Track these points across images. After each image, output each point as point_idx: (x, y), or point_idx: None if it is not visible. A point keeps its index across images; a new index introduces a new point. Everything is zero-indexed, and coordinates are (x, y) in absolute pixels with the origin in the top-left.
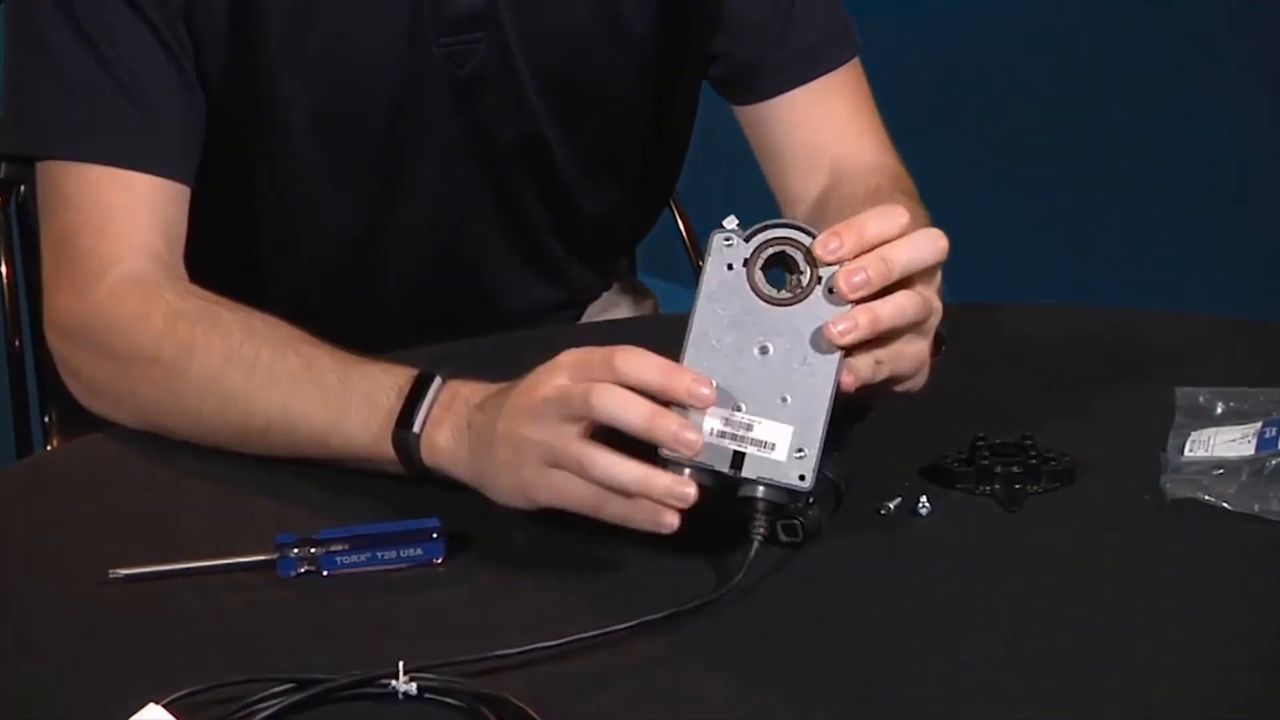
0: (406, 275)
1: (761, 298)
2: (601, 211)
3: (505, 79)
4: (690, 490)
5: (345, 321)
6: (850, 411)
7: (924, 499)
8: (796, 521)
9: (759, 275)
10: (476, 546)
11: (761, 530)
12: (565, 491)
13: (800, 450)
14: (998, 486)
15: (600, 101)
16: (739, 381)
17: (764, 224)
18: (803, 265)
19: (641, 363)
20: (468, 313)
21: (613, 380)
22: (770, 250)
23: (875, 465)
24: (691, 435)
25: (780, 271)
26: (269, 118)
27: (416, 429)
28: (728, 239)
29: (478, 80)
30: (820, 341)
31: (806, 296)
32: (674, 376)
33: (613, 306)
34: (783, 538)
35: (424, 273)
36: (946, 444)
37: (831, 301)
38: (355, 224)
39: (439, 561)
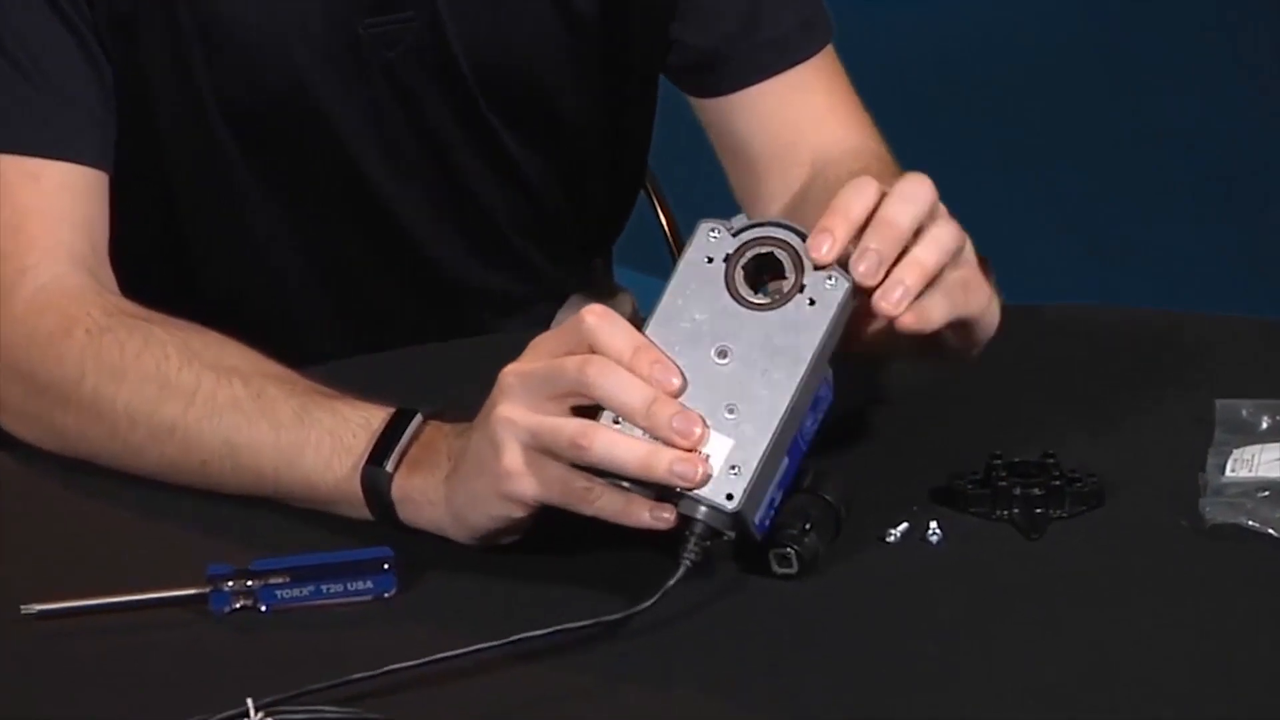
0: (349, 272)
1: (735, 297)
2: (560, 200)
3: (441, 61)
4: (701, 470)
5: (289, 326)
6: (869, 386)
7: (934, 525)
8: (790, 550)
9: (739, 274)
10: (432, 579)
11: (690, 555)
12: (550, 480)
13: (735, 467)
14: (1017, 511)
15: (542, 88)
16: (691, 383)
17: (755, 221)
18: (789, 270)
19: (617, 334)
20: (427, 312)
21: (593, 350)
22: (757, 250)
23: (879, 487)
24: (697, 429)
25: (764, 278)
26: (183, 107)
27: (389, 466)
28: (714, 230)
29: (412, 63)
30: (787, 355)
31: (784, 304)
32: (642, 354)
33: (575, 304)
34: (775, 569)
35: (369, 269)
36: (959, 463)
37: (813, 312)
38: (284, 218)
39: (391, 596)
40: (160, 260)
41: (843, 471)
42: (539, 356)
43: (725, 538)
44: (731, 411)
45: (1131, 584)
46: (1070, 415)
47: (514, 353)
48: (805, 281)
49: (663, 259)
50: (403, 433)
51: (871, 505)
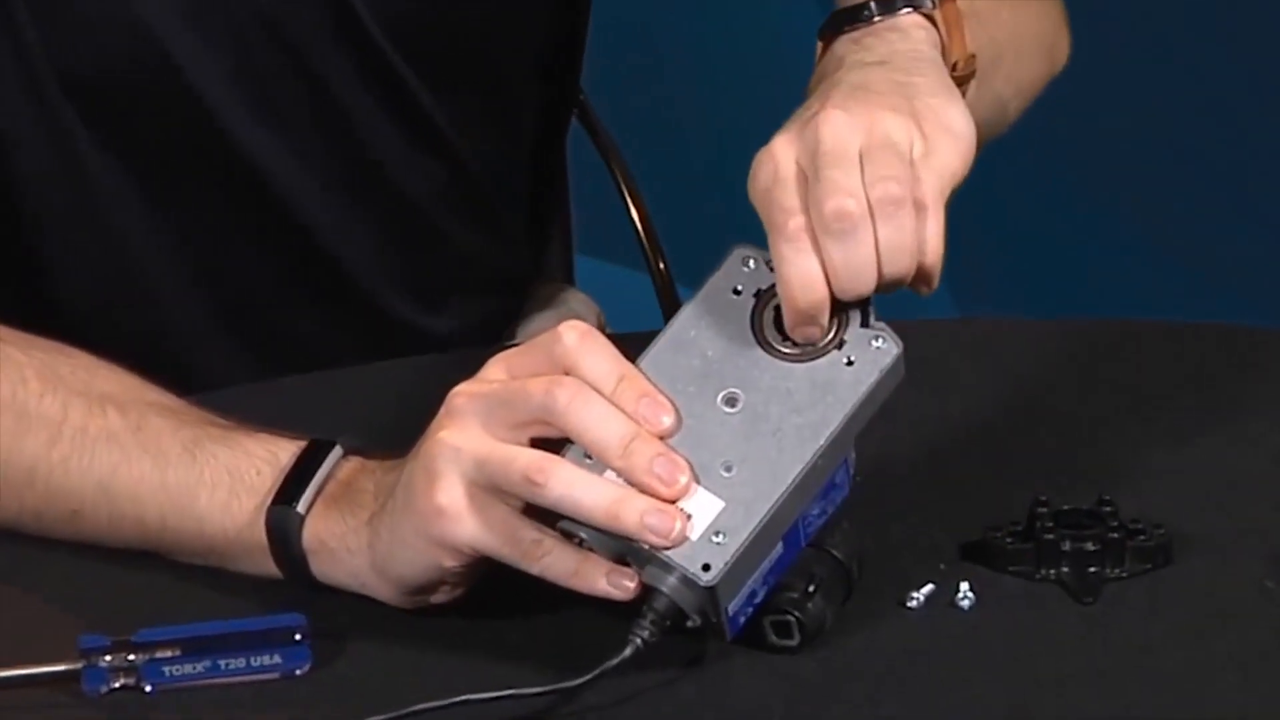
0: (234, 275)
1: (759, 340)
2: (492, 169)
3: (333, 6)
4: (678, 525)
5: (170, 345)
6: (884, 414)
7: (965, 587)
8: (790, 617)
9: (769, 314)
10: (354, 652)
11: (641, 633)
12: (492, 524)
13: (720, 535)
14: (1066, 570)
15: (467, 32)
16: (684, 428)
17: None
18: (827, 320)
19: (600, 358)
20: (336, 323)
21: (568, 372)
22: None
23: (900, 540)
24: (682, 477)
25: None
26: (13, 80)
27: (301, 507)
28: (749, 259)
29: (295, 8)
30: (808, 418)
31: (817, 357)
32: (628, 385)
33: (543, 321)
34: (772, 639)
35: (260, 270)
36: (996, 511)
37: (849, 374)
38: (146, 212)
39: (304, 673)
40: (6, 268)
41: (854, 521)
42: (499, 375)
43: (689, 623)
44: (729, 469)
45: (1204, 659)
46: (1131, 452)
47: (453, 374)
48: (847, 337)
49: (631, 252)
50: (318, 468)
51: (889, 562)
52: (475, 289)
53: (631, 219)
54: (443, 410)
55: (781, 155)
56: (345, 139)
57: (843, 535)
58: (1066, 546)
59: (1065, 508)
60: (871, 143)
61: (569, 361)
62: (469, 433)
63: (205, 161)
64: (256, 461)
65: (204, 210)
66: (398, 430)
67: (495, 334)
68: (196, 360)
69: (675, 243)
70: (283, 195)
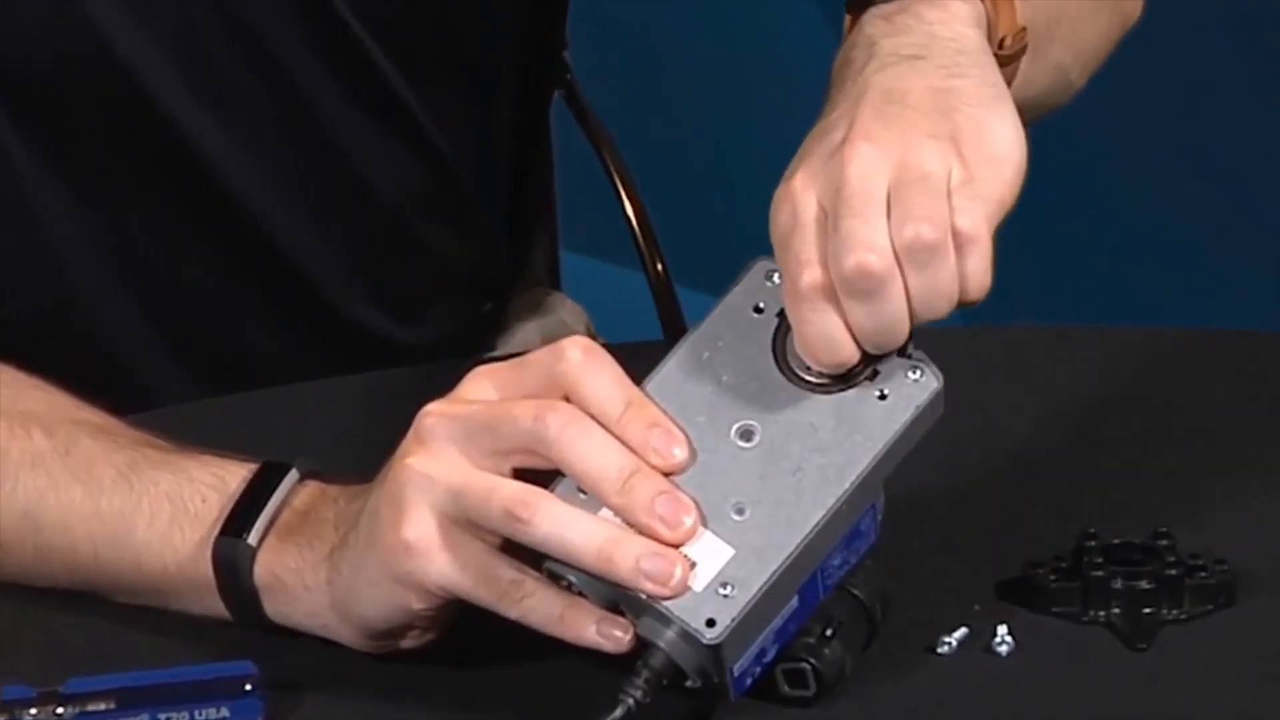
0: (173, 279)
1: (782, 367)
2: (469, 160)
3: None
4: (679, 573)
5: (103, 358)
6: None
7: (1003, 631)
8: (805, 665)
9: (794, 339)
10: (312, 705)
11: (634, 693)
12: (466, 563)
13: (727, 586)
14: (1117, 611)
15: (445, 13)
16: (695, 464)
17: None
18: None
19: (606, 381)
20: (292, 333)
21: (570, 400)
22: None
23: (929, 577)
24: (688, 519)
25: None
26: None
27: (252, 539)
28: (771, 275)
29: None
30: (834, 457)
31: (846, 389)
32: (635, 414)
33: (526, 331)
34: (784, 690)
35: (204, 275)
36: (1037, 545)
37: (882, 410)
38: (77, 210)
39: None
40: None
41: (878, 557)
42: (480, 393)
43: (688, 683)
44: (740, 513)
45: (1273, 712)
46: (1190, 480)
47: (425, 389)
48: (880, 367)
49: (625, 251)
50: (270, 494)
51: (917, 603)
52: (451, 295)
53: (625, 214)
54: (412, 432)
55: (801, 196)
56: (308, 130)
57: (864, 573)
58: (1118, 585)
59: (1116, 541)
60: (902, 178)
61: (569, 382)
62: (443, 459)
63: (144, 155)
64: (201, 487)
65: (144, 211)
66: (363, 453)
67: (473, 345)
68: (138, 379)
69: (673, 241)
70: (234, 193)
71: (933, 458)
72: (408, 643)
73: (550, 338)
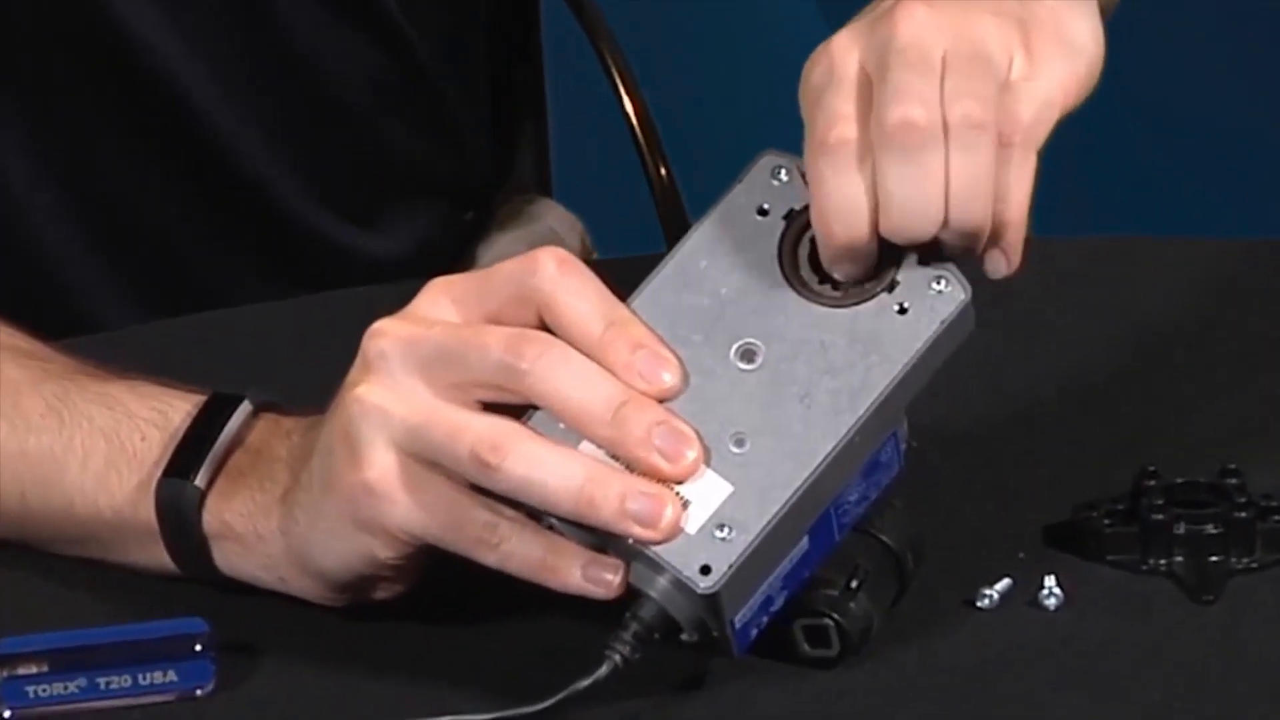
0: (115, 190)
1: (789, 278)
2: (439, 50)
3: None
4: (670, 513)
5: (42, 279)
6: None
7: (1051, 581)
8: (828, 621)
9: (804, 246)
10: (268, 667)
11: (621, 649)
12: (433, 505)
13: (724, 528)
14: (1180, 559)
15: None
16: (688, 390)
17: None
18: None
19: (584, 296)
20: (247, 247)
21: (545, 320)
22: None
23: (967, 521)
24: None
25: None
26: None
27: (199, 481)
28: (780, 169)
29: None
30: (848, 380)
31: (862, 302)
32: (618, 333)
33: (510, 242)
34: (804, 649)
35: (149, 183)
36: (1089, 485)
37: (902, 325)
38: (8, 112)
39: (207, 693)
40: None
41: (908, 498)
42: (440, 312)
43: (683, 636)
44: (740, 444)
45: None
46: (1261, 412)
47: (395, 309)
48: (900, 277)
49: (625, 156)
50: (219, 430)
51: (953, 550)
52: (424, 202)
53: (624, 112)
54: (361, 356)
55: (841, 53)
56: (256, 15)
57: (893, 516)
58: (1181, 530)
59: (1179, 481)
60: (959, 48)
61: (543, 299)
62: (400, 390)
63: (73, 47)
64: (140, 423)
65: (81, 113)
66: (326, 381)
67: (449, 258)
68: (78, 302)
69: (679, 144)
70: (175, 88)
71: (970, 384)
72: (376, 595)
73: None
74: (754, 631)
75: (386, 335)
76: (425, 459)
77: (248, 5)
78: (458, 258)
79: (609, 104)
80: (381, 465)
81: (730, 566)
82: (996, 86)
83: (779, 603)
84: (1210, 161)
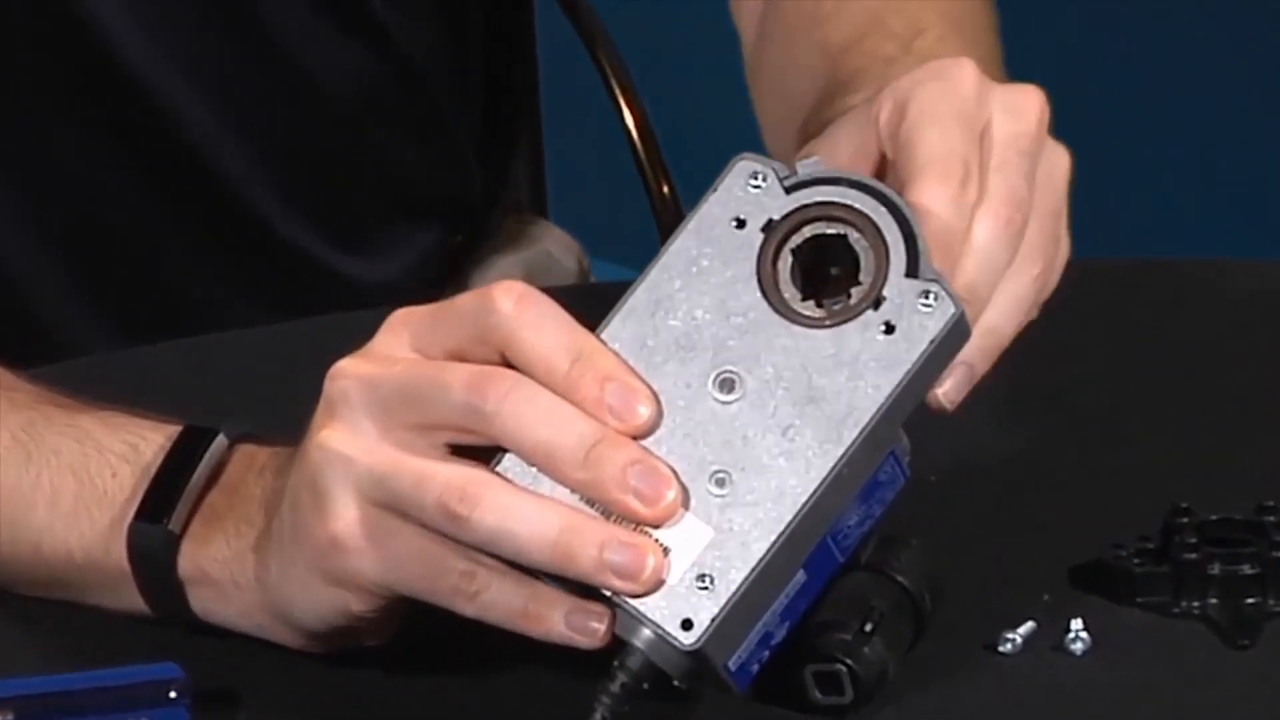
0: (87, 207)
1: (770, 298)
2: (433, 58)
3: None
4: (651, 565)
5: (9, 303)
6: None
7: (1077, 625)
8: (840, 667)
9: (785, 260)
10: (246, 714)
11: (609, 700)
12: (405, 558)
13: (705, 579)
14: (1214, 601)
15: None
16: (664, 425)
17: (825, 173)
18: (865, 269)
19: (548, 330)
20: (226, 262)
21: (507, 357)
22: (821, 225)
23: (989, 561)
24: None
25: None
26: None
27: (174, 524)
28: (757, 175)
29: None
30: (831, 409)
31: (844, 322)
32: (587, 367)
33: (505, 266)
34: (815, 696)
35: (124, 201)
36: (1118, 523)
37: (887, 346)
38: None
39: None
40: None
41: (927, 537)
42: (400, 348)
43: (676, 684)
44: (721, 484)
45: None
46: None
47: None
48: (886, 292)
49: (624, 170)
50: (193, 467)
51: (975, 591)
52: (412, 221)
53: (623, 125)
54: (324, 398)
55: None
56: (239, 18)
57: (910, 555)
58: (1215, 570)
59: (1214, 518)
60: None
61: (503, 337)
62: (363, 436)
63: (40, 46)
64: (111, 458)
65: (38, 112)
66: (308, 410)
67: (440, 281)
68: (43, 324)
69: (681, 157)
70: (149, 94)
71: (991, 414)
72: (358, 642)
73: (535, 273)
74: (755, 667)
75: (347, 376)
76: (393, 508)
77: (230, 7)
78: (448, 282)
79: (606, 114)
80: (347, 517)
81: (713, 621)
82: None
83: (780, 635)
84: (1247, 181)
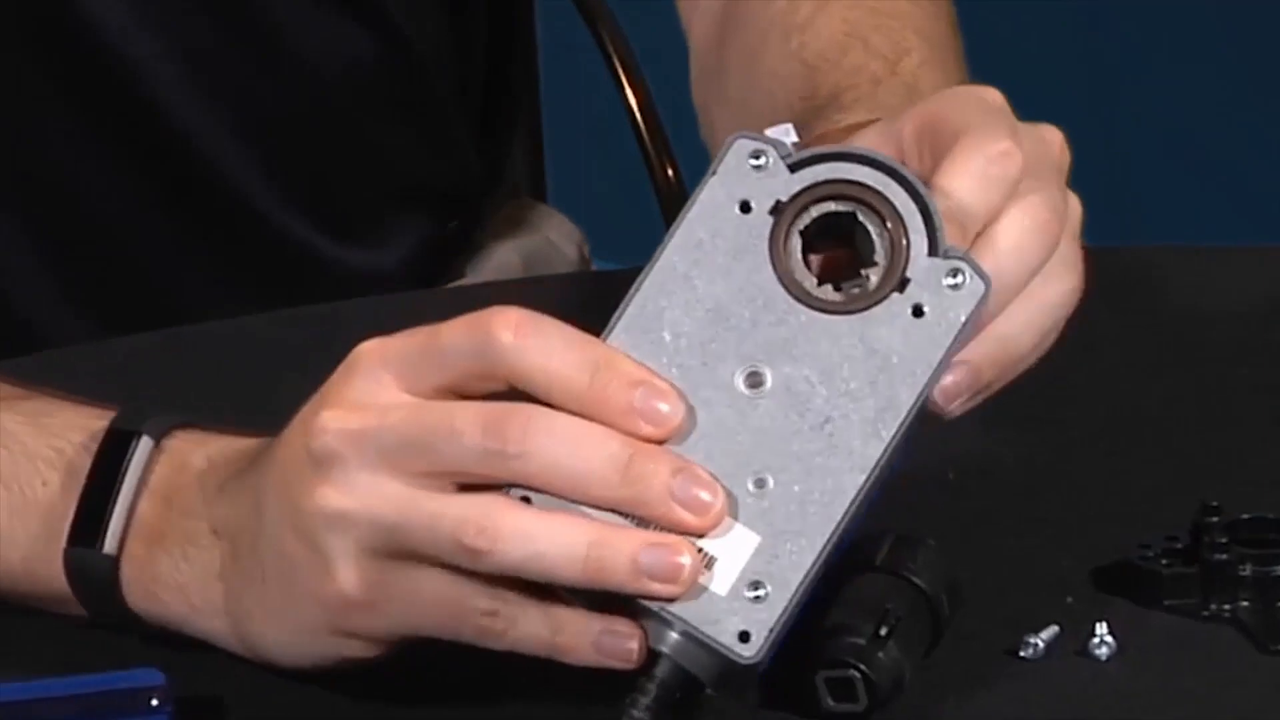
0: (64, 193)
1: (785, 282)
2: (430, 41)
3: None
4: (689, 566)
5: None
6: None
7: (1103, 629)
8: (854, 672)
9: (795, 242)
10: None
11: (639, 714)
12: (424, 604)
13: (758, 586)
14: (1245, 603)
15: None
16: (691, 427)
17: (830, 150)
18: (880, 249)
19: (557, 350)
20: (214, 251)
21: (519, 388)
22: (828, 203)
23: (1011, 562)
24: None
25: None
26: None
27: (108, 547)
28: (759, 154)
29: None
30: (868, 399)
31: (868, 306)
32: (608, 376)
33: (503, 254)
34: (828, 703)
35: (107, 187)
36: (1146, 524)
37: (918, 329)
38: None
39: None
40: None
41: (945, 538)
42: (385, 392)
43: (707, 692)
44: (761, 485)
45: None
46: None
47: (378, 327)
48: (911, 273)
49: (628, 154)
50: (120, 478)
51: (996, 593)
52: (409, 209)
53: (626, 106)
54: (307, 457)
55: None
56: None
57: (927, 556)
58: (1246, 571)
59: (1244, 517)
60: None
61: (510, 368)
62: (361, 491)
63: (29, 37)
64: (39, 465)
65: (30, 106)
66: (297, 404)
67: (438, 271)
68: (20, 313)
69: (687, 141)
70: (134, 78)
71: (1012, 411)
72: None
73: (534, 262)
74: (769, 658)
75: (332, 432)
76: (406, 556)
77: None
78: (443, 271)
79: (608, 93)
80: (357, 577)
81: (772, 631)
82: None
83: (791, 621)
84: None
